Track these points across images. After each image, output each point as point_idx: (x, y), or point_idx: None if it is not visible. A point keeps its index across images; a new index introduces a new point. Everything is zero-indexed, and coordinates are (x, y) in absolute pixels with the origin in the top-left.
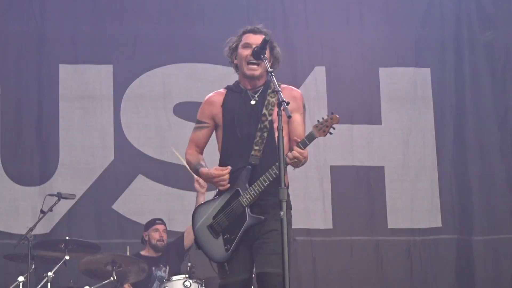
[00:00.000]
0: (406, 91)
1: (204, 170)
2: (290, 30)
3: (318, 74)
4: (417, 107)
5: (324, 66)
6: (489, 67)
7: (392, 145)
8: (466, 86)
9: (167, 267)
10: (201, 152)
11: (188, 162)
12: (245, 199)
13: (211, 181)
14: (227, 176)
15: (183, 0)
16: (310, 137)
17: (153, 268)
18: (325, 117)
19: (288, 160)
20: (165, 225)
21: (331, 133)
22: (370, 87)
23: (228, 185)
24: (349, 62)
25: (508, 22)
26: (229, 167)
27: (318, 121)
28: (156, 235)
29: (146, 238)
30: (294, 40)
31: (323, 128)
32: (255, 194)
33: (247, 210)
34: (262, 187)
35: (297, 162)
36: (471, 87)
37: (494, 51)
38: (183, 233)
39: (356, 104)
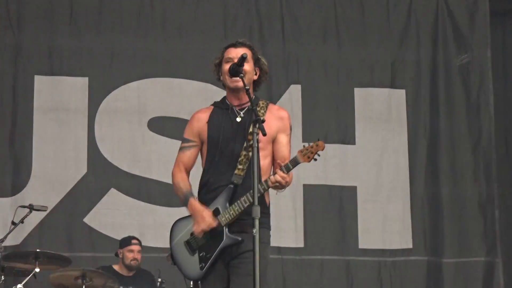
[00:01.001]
0: (381, 111)
1: (195, 202)
2: (266, 47)
3: (294, 92)
4: (391, 128)
5: (300, 85)
6: (464, 90)
7: (365, 165)
8: (441, 109)
9: None
10: (188, 174)
11: (177, 185)
12: (223, 218)
13: (196, 216)
14: (210, 227)
15: (160, 15)
16: (294, 162)
17: (121, 287)
18: (311, 143)
19: (270, 183)
20: (140, 244)
21: (315, 159)
22: (345, 106)
23: (201, 234)
24: (324, 81)
25: (484, 46)
26: (215, 225)
27: (303, 146)
28: (130, 255)
29: (120, 256)
30: (271, 57)
31: (308, 154)
32: (234, 214)
33: (225, 230)
34: (242, 208)
35: (279, 187)
36: (445, 110)
37: (469, 74)
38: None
39: (330, 123)
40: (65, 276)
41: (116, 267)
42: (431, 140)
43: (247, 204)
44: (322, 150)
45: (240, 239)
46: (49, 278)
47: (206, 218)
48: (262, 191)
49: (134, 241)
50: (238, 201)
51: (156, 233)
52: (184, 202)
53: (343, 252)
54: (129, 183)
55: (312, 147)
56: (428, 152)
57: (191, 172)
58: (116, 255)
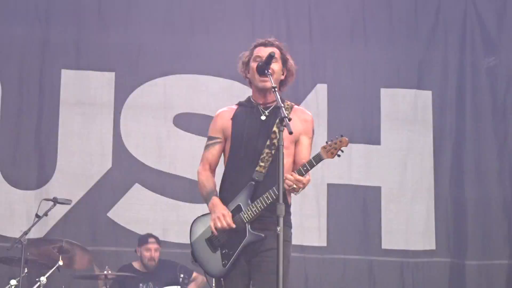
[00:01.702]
0: (407, 112)
1: (218, 201)
2: (293, 46)
3: (320, 92)
4: (416, 129)
5: (326, 84)
6: (491, 92)
7: (390, 166)
8: (467, 111)
9: None
10: (213, 171)
11: (202, 183)
12: (246, 215)
13: (216, 211)
14: (229, 227)
15: (188, 11)
16: (318, 158)
17: (141, 284)
18: (334, 140)
19: (286, 186)
20: (158, 243)
21: (339, 155)
22: (371, 107)
23: (216, 232)
24: (351, 81)
25: (511, 48)
26: (234, 226)
27: (326, 142)
28: (147, 254)
29: (138, 254)
30: (297, 56)
31: (331, 150)
32: (257, 211)
33: (248, 227)
34: (265, 205)
35: (294, 189)
36: (471, 112)
37: (497, 77)
38: (191, 272)
39: (356, 123)
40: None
41: (136, 264)
42: (456, 142)
43: (270, 201)
44: (346, 146)
45: (263, 235)
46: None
47: (225, 219)
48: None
49: (151, 239)
50: (261, 198)
51: (180, 229)
52: (207, 200)
53: (366, 252)
54: (154, 179)
55: (335, 143)
56: (453, 154)
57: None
58: (136, 251)
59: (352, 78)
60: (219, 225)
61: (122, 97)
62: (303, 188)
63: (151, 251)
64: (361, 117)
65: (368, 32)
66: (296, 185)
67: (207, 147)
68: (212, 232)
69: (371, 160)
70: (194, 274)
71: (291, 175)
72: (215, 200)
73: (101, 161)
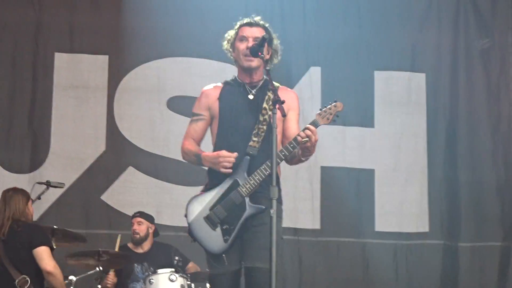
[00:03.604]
0: (400, 95)
1: (208, 152)
2: (287, 29)
3: (313, 75)
4: (410, 111)
5: (320, 67)
6: (484, 74)
7: (384, 148)
8: (460, 93)
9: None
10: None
11: (187, 150)
12: (244, 189)
13: (215, 161)
14: (233, 159)
15: None
16: (314, 125)
17: (135, 264)
18: (328, 105)
19: (299, 138)
20: (145, 218)
21: (334, 120)
22: (365, 89)
23: (230, 170)
24: (345, 64)
25: (505, 30)
26: (236, 153)
27: (320, 109)
28: (132, 229)
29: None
30: (291, 39)
31: (327, 115)
32: (256, 184)
33: (247, 200)
34: (263, 176)
35: (309, 146)
36: (465, 94)
37: (490, 58)
38: (187, 259)
39: (349, 106)
40: (81, 259)
41: (130, 245)
42: (450, 124)
43: (268, 172)
44: (341, 110)
45: (263, 207)
46: (65, 259)
47: (224, 155)
48: (287, 153)
49: (136, 214)
50: (258, 170)
51: (173, 212)
52: (198, 161)
53: (360, 235)
54: (147, 162)
55: (330, 108)
56: (447, 136)
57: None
58: None
59: (345, 61)
60: (226, 165)
61: (116, 80)
62: (313, 149)
63: (134, 225)
64: (354, 99)
65: (361, 15)
66: (309, 137)
67: (191, 122)
68: (215, 210)
69: (364, 142)
70: (190, 264)
71: (308, 127)
72: (205, 154)
73: (95, 144)
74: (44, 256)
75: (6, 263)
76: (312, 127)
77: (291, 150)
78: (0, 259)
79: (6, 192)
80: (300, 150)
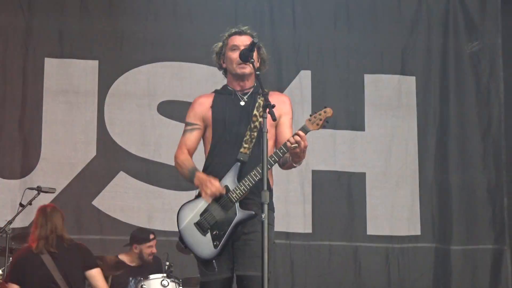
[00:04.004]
0: (391, 98)
1: (202, 174)
2: (277, 33)
3: (304, 78)
4: (400, 115)
5: (310, 70)
6: (474, 77)
7: (375, 152)
8: (451, 96)
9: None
10: (191, 156)
11: (181, 164)
12: (234, 194)
13: (203, 183)
14: (217, 193)
15: None
16: (303, 131)
17: (130, 278)
18: (318, 111)
19: (289, 144)
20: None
21: (324, 126)
22: (355, 93)
23: (209, 200)
24: (334, 67)
25: (495, 33)
26: (224, 190)
27: (310, 115)
28: (148, 250)
29: (136, 251)
30: (281, 43)
31: (317, 121)
32: (246, 189)
33: (237, 205)
34: (253, 182)
35: (298, 152)
36: (455, 97)
37: (480, 61)
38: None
39: (340, 109)
40: None
41: (123, 257)
42: (440, 127)
43: (258, 178)
44: (331, 116)
45: (254, 213)
46: None
47: (214, 183)
48: (277, 159)
49: (152, 236)
50: (248, 176)
51: (165, 217)
52: (190, 177)
53: (351, 238)
54: (138, 167)
55: (320, 114)
56: (438, 139)
57: (195, 160)
58: (127, 245)
59: (335, 64)
60: (210, 193)
61: (106, 85)
62: (305, 151)
63: (153, 248)
64: (345, 103)
65: (351, 18)
66: (298, 143)
67: (185, 132)
68: (205, 216)
69: (355, 146)
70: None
71: (297, 133)
72: (199, 173)
73: (86, 150)
74: (99, 277)
75: (58, 278)
76: (301, 133)
77: (281, 155)
78: (49, 272)
79: (44, 207)
80: (290, 156)
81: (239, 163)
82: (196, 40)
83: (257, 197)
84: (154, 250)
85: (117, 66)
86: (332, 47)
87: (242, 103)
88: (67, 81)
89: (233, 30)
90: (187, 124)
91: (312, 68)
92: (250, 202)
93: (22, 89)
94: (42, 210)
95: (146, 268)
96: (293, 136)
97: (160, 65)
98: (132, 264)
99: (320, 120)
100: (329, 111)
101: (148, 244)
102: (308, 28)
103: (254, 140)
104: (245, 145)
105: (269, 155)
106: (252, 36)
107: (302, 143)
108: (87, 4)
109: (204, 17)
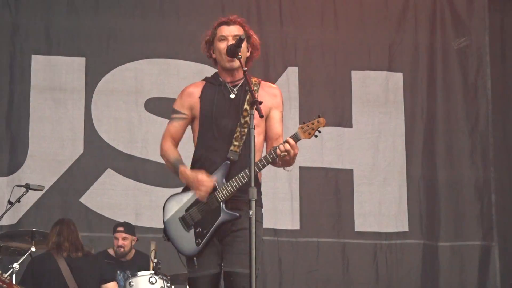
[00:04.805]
0: (378, 95)
1: (185, 169)
2: (264, 29)
3: (291, 75)
4: (388, 111)
5: (297, 67)
6: (462, 74)
7: (362, 148)
8: (438, 92)
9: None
10: (176, 146)
11: (166, 155)
12: (221, 194)
13: (191, 183)
14: (211, 188)
15: None
16: (295, 139)
17: (118, 271)
18: (312, 120)
19: (278, 151)
20: (128, 231)
21: (316, 136)
22: (342, 89)
23: (205, 200)
24: (322, 64)
25: (482, 29)
26: (215, 178)
27: (303, 122)
28: (115, 242)
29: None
30: (268, 39)
31: (309, 130)
32: (232, 190)
33: (222, 206)
34: (240, 184)
35: (287, 158)
36: (442, 93)
37: (467, 58)
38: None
39: (327, 106)
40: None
41: (111, 251)
42: (428, 123)
43: (245, 180)
44: (323, 126)
45: (238, 215)
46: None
47: (204, 182)
48: (266, 164)
49: (119, 228)
50: (236, 177)
51: (152, 214)
52: (175, 170)
53: (339, 235)
54: (126, 164)
55: (313, 123)
56: (425, 135)
57: (184, 150)
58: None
59: (323, 61)
60: (203, 193)
61: (93, 82)
62: (295, 157)
63: (118, 240)
64: (332, 99)
65: (338, 15)
66: (288, 152)
67: (171, 120)
68: (190, 212)
69: (343, 142)
70: None
71: (287, 141)
72: (183, 170)
73: (73, 147)
74: None
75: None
76: (291, 141)
77: (270, 161)
78: (64, 280)
79: (61, 219)
80: (280, 161)
81: (228, 162)
82: (183, 37)
83: (245, 194)
84: (120, 242)
85: (104, 63)
86: (319, 44)
87: (232, 96)
88: (54, 78)
89: (222, 20)
90: (173, 111)
91: (299, 64)
92: (238, 199)
93: (9, 86)
94: (59, 221)
95: (134, 262)
96: (283, 143)
97: (147, 62)
98: (121, 259)
99: (313, 129)
100: (322, 121)
101: (114, 235)
102: (295, 25)
103: (244, 137)
104: (235, 143)
105: (258, 151)
106: (241, 25)
107: (292, 151)
108: (74, 1)
109: (191, 14)
